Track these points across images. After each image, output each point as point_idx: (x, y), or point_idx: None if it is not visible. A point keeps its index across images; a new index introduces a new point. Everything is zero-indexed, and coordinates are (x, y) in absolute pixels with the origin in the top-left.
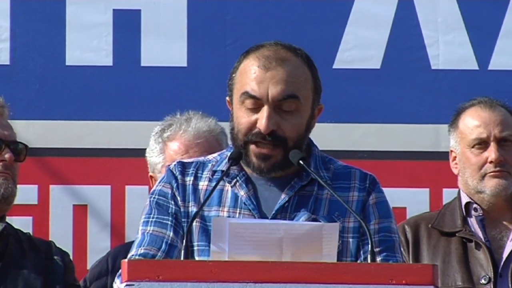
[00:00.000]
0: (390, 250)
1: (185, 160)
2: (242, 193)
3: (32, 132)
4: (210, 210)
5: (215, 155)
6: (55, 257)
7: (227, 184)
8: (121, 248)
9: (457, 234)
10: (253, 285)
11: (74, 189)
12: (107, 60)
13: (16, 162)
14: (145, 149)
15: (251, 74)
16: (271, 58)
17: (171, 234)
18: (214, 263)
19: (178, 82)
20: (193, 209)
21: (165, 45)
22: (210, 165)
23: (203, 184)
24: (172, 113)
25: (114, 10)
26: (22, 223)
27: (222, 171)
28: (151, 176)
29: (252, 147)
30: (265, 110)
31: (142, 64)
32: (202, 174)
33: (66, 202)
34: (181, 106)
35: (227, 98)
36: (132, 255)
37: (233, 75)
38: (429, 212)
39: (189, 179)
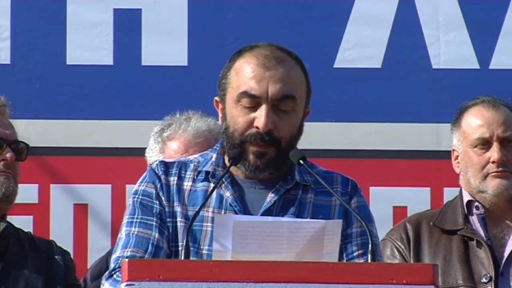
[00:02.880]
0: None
1: (167, 160)
2: (228, 194)
3: (32, 131)
4: (194, 210)
5: (196, 155)
6: (56, 257)
7: (212, 185)
8: None
9: (458, 232)
10: (253, 285)
11: (74, 188)
12: (107, 59)
13: (17, 161)
14: (146, 148)
15: (249, 73)
16: (270, 57)
17: (157, 235)
18: (215, 263)
19: (178, 81)
20: (177, 209)
21: (165, 44)
22: (192, 165)
23: (187, 184)
24: (172, 112)
25: (114, 9)
26: (23, 222)
27: (207, 171)
28: None
29: (250, 146)
30: (263, 109)
31: (143, 63)
32: (185, 174)
33: (67, 201)
34: (182, 105)
35: (216, 98)
36: (118, 256)
37: (227, 74)
38: (431, 210)
39: (173, 179)
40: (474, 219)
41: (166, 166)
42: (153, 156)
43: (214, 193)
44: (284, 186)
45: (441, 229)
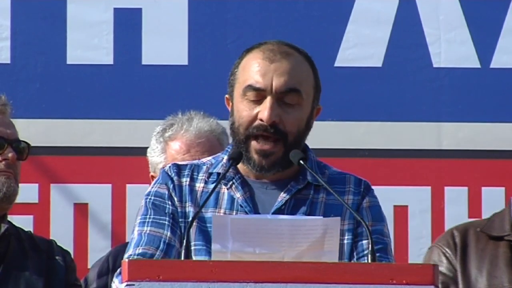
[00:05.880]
0: (383, 252)
1: (179, 163)
2: (238, 195)
3: (32, 130)
4: (207, 211)
5: (209, 158)
6: (57, 257)
7: (223, 187)
8: (121, 248)
9: (505, 238)
10: (254, 285)
11: (74, 188)
12: (107, 58)
13: (19, 161)
14: (146, 147)
15: (255, 67)
16: (275, 51)
17: (169, 233)
18: (215, 263)
19: (179, 80)
20: (190, 209)
21: (166, 44)
22: (205, 167)
23: (199, 186)
24: (173, 111)
25: (115, 8)
26: (23, 222)
27: (218, 173)
28: (152, 176)
29: (253, 143)
30: (268, 101)
31: (143, 63)
32: (197, 176)
33: (67, 201)
34: (182, 104)
35: (226, 95)
36: (130, 254)
37: (235, 70)
38: (479, 219)
39: (185, 180)
40: None
41: (179, 168)
42: (154, 156)
43: (226, 194)
44: (295, 186)
45: (488, 235)
